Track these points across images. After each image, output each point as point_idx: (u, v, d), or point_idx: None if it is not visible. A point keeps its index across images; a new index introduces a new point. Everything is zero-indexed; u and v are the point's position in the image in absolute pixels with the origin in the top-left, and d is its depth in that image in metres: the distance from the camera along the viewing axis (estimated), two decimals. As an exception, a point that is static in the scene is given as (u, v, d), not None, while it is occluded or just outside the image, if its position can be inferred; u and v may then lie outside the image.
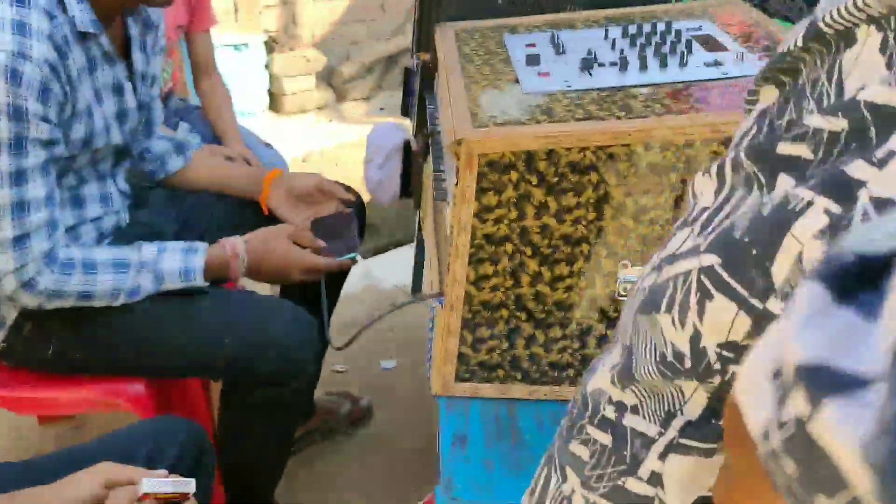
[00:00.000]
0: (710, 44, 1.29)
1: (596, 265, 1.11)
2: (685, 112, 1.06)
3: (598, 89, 1.16)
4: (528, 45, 1.36)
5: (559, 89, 1.17)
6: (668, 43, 1.28)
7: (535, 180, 1.06)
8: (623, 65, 1.21)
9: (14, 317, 1.36)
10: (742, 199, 0.50)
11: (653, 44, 1.29)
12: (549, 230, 1.09)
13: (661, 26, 1.35)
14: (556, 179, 1.06)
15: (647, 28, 1.35)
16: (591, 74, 1.21)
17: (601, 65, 1.24)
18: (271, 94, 3.90)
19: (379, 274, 2.58)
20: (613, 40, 1.32)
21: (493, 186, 1.06)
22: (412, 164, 1.71)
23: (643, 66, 1.21)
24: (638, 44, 1.30)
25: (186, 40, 2.17)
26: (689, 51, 1.26)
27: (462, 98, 1.17)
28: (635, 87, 1.16)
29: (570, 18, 1.50)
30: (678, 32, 1.31)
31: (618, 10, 1.52)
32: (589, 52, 1.26)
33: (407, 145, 1.69)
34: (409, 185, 1.74)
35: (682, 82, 1.15)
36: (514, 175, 1.05)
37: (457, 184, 1.06)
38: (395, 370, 2.20)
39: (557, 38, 1.35)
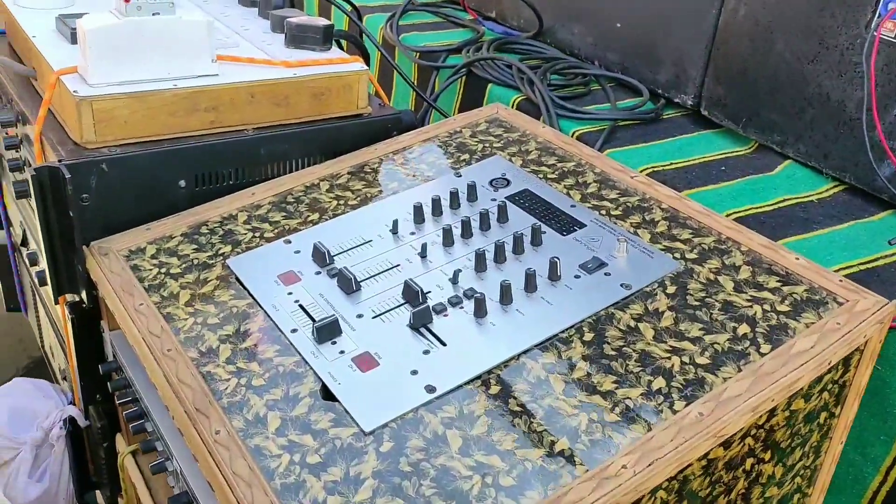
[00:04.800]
0: (547, 211, 0.88)
1: None
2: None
3: (476, 381, 0.67)
4: (285, 283, 0.80)
5: (439, 395, 0.65)
6: (500, 233, 0.84)
7: None
8: (478, 307, 0.74)
9: None
10: None
11: (472, 234, 0.84)
12: None
13: (460, 187, 0.90)
14: None
15: (444, 202, 0.89)
16: (440, 341, 0.71)
17: (441, 311, 0.75)
18: None
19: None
20: (425, 245, 0.82)
21: None
22: (89, 449, 1.03)
23: (505, 298, 0.75)
24: (452, 237, 0.83)
25: None
26: (538, 241, 0.84)
27: None
28: (526, 352, 0.70)
29: (283, 190, 0.96)
30: (495, 202, 0.87)
31: (347, 162, 1.02)
32: (409, 289, 0.76)
33: (72, 424, 1.00)
34: (92, 481, 1.06)
35: (593, 322, 0.72)
36: None
37: None
38: None
39: (328, 255, 0.82)
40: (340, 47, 1.20)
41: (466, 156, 1.01)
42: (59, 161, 0.83)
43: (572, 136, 1.24)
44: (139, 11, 0.86)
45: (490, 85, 1.39)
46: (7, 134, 1.02)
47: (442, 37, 1.61)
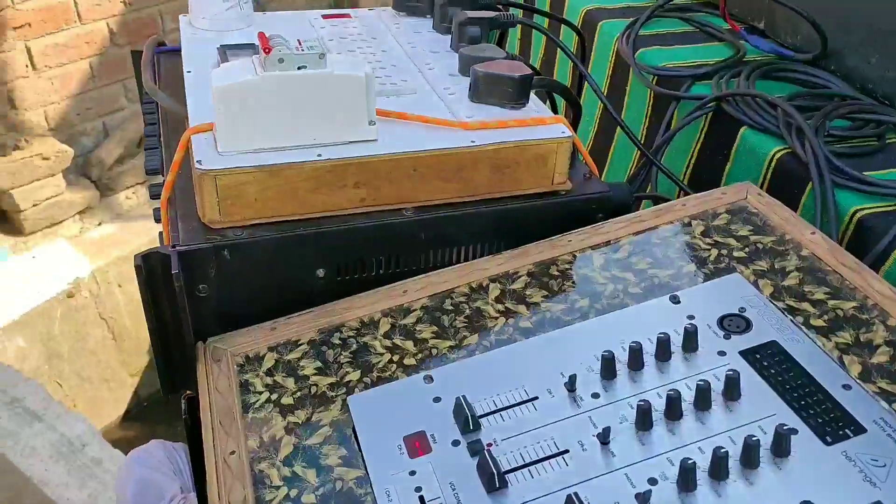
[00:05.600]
0: (802, 391, 0.59)
1: None
2: None
3: None
4: (410, 452, 0.60)
5: None
6: (724, 421, 0.56)
7: None
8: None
9: None
10: None
11: (681, 415, 0.57)
12: None
13: (675, 325, 0.62)
14: None
15: (648, 346, 0.63)
16: None
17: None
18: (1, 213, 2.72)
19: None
20: (608, 429, 0.56)
21: None
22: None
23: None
24: (651, 418, 0.57)
25: None
26: (784, 449, 0.55)
27: None
28: None
29: (442, 290, 0.75)
30: (724, 362, 0.59)
31: (529, 257, 0.78)
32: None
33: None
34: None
35: None
36: None
37: None
38: None
39: (472, 420, 0.60)
40: (552, 99, 0.95)
41: (692, 266, 0.73)
42: (173, 246, 0.69)
43: (853, 216, 0.90)
44: (281, 65, 0.68)
45: (744, 128, 1.07)
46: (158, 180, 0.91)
47: (690, 53, 1.29)
